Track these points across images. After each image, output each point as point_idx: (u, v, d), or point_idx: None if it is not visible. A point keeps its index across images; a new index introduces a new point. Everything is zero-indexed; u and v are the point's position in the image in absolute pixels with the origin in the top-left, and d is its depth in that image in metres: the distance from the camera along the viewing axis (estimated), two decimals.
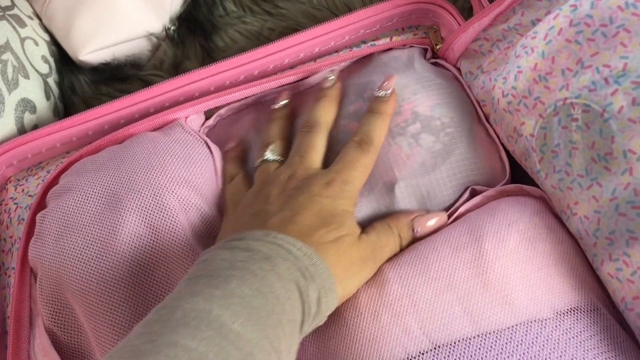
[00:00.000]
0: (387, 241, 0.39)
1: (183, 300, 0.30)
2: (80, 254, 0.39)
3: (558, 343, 0.35)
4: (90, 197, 0.41)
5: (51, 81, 0.55)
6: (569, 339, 0.35)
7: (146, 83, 0.55)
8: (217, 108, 0.49)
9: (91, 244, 0.39)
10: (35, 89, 0.52)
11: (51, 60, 0.56)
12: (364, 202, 0.41)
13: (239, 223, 0.39)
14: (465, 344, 0.35)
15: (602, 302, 0.37)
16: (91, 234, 0.39)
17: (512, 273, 0.36)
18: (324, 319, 0.35)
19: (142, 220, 0.39)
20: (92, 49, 0.55)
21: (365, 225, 0.41)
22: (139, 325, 0.29)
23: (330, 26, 0.49)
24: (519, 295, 0.36)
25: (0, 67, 0.49)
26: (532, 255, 0.37)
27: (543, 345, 0.35)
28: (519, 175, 0.43)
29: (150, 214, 0.40)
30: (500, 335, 0.35)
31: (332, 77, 0.45)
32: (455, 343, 0.35)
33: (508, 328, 0.36)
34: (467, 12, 0.50)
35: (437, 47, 0.48)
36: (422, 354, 0.35)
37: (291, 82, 0.47)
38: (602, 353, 0.35)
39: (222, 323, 0.28)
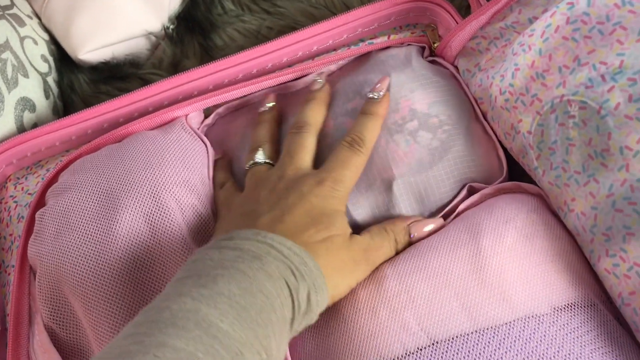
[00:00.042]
0: (382, 244, 0.39)
1: (171, 301, 0.29)
2: (79, 251, 0.39)
3: (555, 338, 0.35)
4: (89, 195, 0.41)
5: (50, 80, 0.55)
6: (566, 334, 0.35)
7: (145, 82, 0.55)
8: (216, 106, 0.49)
9: (89, 241, 0.39)
10: (34, 88, 0.52)
11: (50, 59, 0.56)
12: (361, 200, 0.41)
13: (230, 224, 0.39)
14: (463, 340, 0.35)
15: (599, 298, 0.37)
16: (89, 231, 0.40)
17: (509, 269, 0.36)
18: (315, 318, 0.35)
19: (139, 218, 0.40)
20: (91, 48, 0.56)
21: (365, 225, 0.41)
22: (128, 327, 0.29)
23: (328, 25, 0.49)
24: (516, 291, 0.36)
25: None
26: (530, 251, 0.37)
27: (540, 341, 0.35)
28: (516, 173, 0.43)
29: (147, 212, 0.40)
30: (498, 331, 0.35)
31: (321, 80, 0.46)
32: (453, 339, 0.36)
33: (505, 324, 0.36)
34: (464, 10, 0.51)
35: (435, 45, 0.48)
36: (420, 349, 0.35)
37: (289, 80, 0.48)
38: (598, 348, 0.35)
39: (210, 322, 0.28)
